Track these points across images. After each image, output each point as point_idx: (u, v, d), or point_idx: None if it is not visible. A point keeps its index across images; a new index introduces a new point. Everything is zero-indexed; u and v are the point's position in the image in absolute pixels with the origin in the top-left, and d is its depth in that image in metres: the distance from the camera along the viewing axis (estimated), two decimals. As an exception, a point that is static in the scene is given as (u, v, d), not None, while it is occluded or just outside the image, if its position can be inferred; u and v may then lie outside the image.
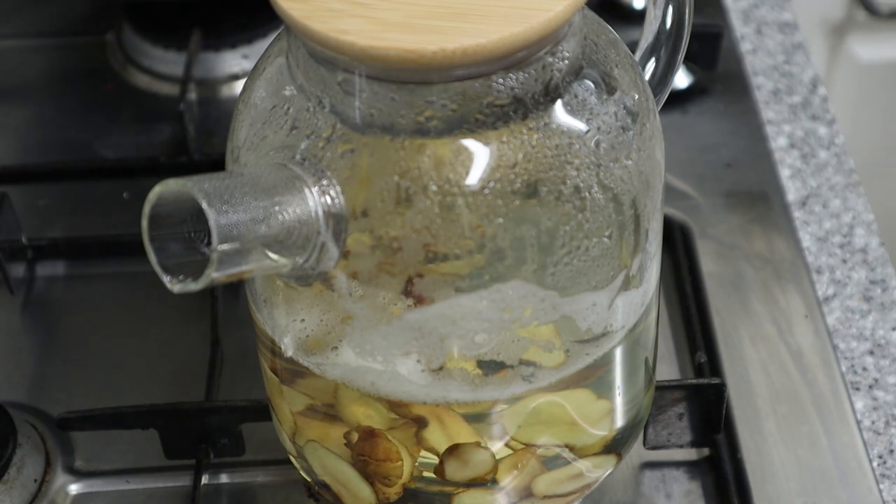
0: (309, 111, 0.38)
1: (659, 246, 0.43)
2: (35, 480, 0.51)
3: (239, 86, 0.68)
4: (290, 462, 0.48)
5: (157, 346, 0.58)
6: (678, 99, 0.67)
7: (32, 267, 0.61)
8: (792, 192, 0.63)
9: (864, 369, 0.55)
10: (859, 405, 0.53)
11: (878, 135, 0.99)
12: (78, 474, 0.52)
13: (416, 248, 0.37)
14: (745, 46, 0.71)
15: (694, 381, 0.51)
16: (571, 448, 0.44)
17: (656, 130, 0.42)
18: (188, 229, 0.35)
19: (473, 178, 0.37)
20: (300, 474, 0.48)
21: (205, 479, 0.51)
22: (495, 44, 0.35)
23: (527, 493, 0.44)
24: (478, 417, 0.42)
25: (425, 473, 0.43)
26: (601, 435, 0.45)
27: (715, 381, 0.50)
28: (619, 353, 0.43)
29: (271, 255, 0.35)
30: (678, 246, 0.59)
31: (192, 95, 0.69)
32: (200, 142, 0.66)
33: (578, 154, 0.38)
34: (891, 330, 0.56)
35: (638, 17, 0.67)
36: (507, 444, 0.43)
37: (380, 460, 0.42)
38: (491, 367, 0.40)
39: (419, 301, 0.39)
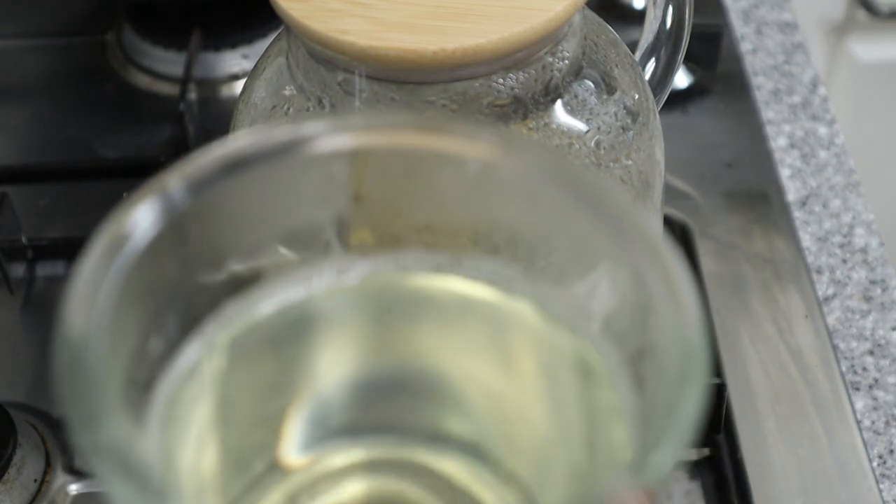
0: (309, 111, 0.38)
1: (659, 246, 0.43)
2: (35, 480, 0.51)
3: (239, 86, 0.68)
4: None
5: (157, 346, 0.57)
6: (678, 99, 0.67)
7: (32, 267, 0.61)
8: (792, 192, 0.63)
9: (864, 369, 0.55)
10: (859, 405, 0.53)
11: (878, 135, 0.99)
12: (78, 474, 0.52)
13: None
14: (745, 46, 0.71)
15: (694, 381, 0.51)
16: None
17: (656, 130, 0.42)
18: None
19: (473, 178, 0.37)
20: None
21: (205, 479, 0.51)
22: (495, 44, 0.35)
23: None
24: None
25: None
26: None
27: (715, 381, 0.50)
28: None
29: None
30: (678, 246, 0.59)
31: (192, 95, 0.69)
32: (200, 142, 0.65)
33: (578, 154, 0.38)
34: (891, 330, 0.56)
35: (638, 17, 0.67)
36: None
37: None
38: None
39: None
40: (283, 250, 0.31)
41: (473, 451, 0.32)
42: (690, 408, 0.24)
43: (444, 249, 0.31)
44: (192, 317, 0.30)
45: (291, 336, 0.32)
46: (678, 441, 0.23)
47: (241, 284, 0.30)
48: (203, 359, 0.30)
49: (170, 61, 0.71)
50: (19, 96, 0.72)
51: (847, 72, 0.98)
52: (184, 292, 0.29)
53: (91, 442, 0.24)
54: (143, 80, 0.71)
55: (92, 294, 0.26)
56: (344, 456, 0.33)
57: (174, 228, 0.28)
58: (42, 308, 0.60)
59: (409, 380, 0.33)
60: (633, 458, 0.24)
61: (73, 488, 0.52)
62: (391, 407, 0.33)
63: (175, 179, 0.28)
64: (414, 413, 0.33)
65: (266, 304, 0.31)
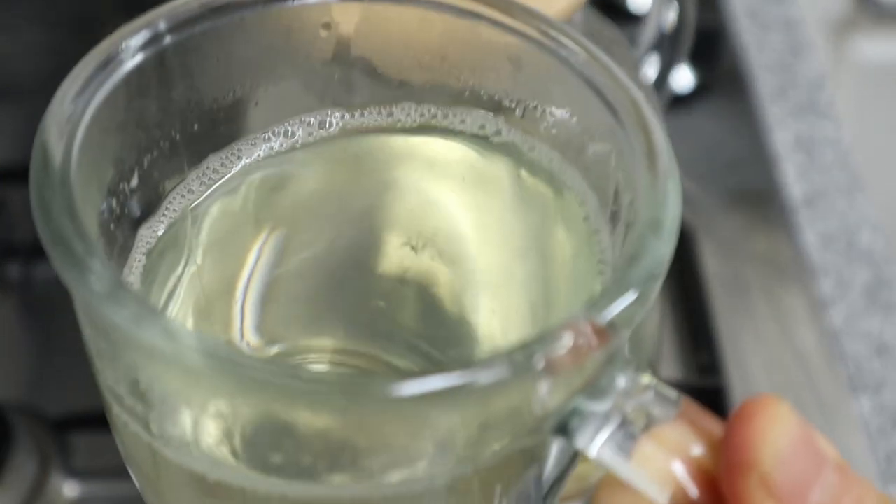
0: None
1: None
2: (32, 482, 0.51)
3: (239, 84, 0.68)
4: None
5: (156, 346, 0.57)
6: (680, 98, 0.66)
7: (29, 267, 0.61)
8: (796, 192, 0.62)
9: (870, 371, 0.54)
10: (865, 407, 0.53)
11: (882, 134, 0.99)
12: (76, 475, 0.52)
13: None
14: (748, 44, 0.71)
15: (696, 382, 0.51)
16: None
17: (658, 129, 0.41)
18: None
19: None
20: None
21: (203, 482, 0.51)
22: (495, 42, 0.35)
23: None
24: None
25: None
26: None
27: (718, 382, 0.50)
28: (620, 355, 0.42)
29: None
30: (680, 246, 0.59)
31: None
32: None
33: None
34: (896, 331, 0.56)
35: (638, 17, 0.66)
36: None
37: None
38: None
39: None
40: (267, 100, 0.31)
41: (428, 355, 0.32)
42: (654, 256, 0.24)
43: (431, 103, 0.31)
44: (172, 159, 0.29)
45: (269, 192, 0.31)
46: (636, 286, 0.24)
47: (223, 131, 0.30)
48: (181, 205, 0.30)
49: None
50: (18, 96, 0.72)
51: (851, 70, 0.98)
52: (165, 133, 0.29)
53: (77, 275, 0.24)
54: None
55: (73, 118, 0.26)
56: (311, 336, 0.32)
57: (156, 64, 0.28)
58: (39, 309, 0.60)
59: (380, 260, 0.33)
60: (592, 301, 0.24)
61: (72, 490, 0.51)
62: (358, 291, 0.33)
63: (159, 17, 0.28)
64: (378, 303, 0.33)
65: (248, 152, 0.31)
